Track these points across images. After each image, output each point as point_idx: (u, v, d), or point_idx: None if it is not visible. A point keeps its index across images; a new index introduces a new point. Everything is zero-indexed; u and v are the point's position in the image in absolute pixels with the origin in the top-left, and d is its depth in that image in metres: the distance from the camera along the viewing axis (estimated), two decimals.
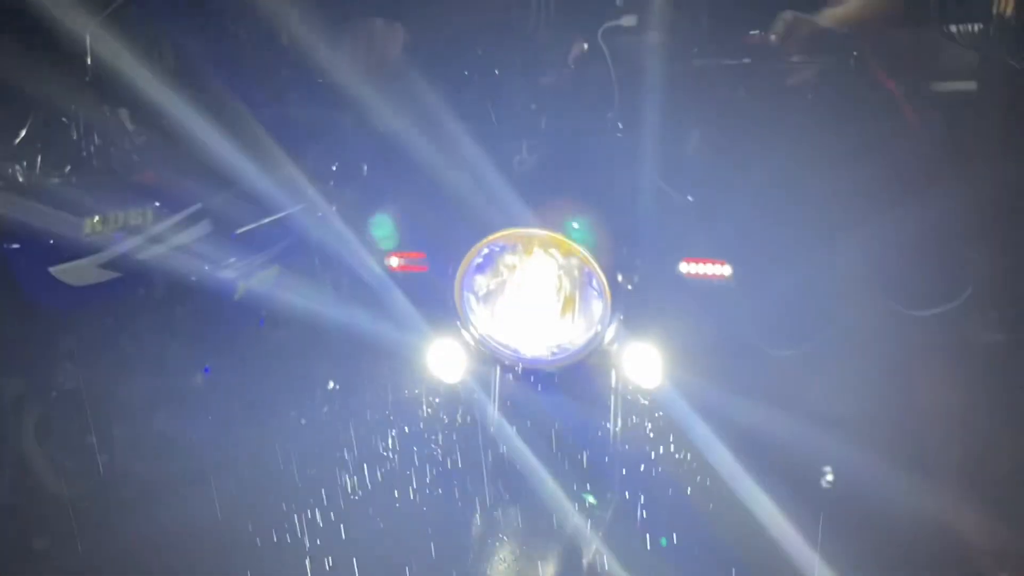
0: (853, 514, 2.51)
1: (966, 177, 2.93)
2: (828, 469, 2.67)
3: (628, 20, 2.31)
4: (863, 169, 2.66)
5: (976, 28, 3.19)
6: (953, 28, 3.23)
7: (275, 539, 2.59)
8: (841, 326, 2.90)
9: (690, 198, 2.37)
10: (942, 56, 3.23)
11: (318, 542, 2.54)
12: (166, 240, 2.84)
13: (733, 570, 2.31)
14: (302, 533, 2.63)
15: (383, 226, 2.39)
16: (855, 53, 2.49)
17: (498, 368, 2.14)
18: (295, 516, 2.69)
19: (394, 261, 2.39)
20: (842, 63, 2.50)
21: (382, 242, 2.37)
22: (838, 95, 2.55)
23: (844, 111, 2.59)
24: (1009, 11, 3.24)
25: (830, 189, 2.65)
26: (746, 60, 2.38)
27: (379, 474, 2.71)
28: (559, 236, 1.96)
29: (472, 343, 2.07)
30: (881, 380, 2.90)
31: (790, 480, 2.49)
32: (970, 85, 3.32)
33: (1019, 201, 2.96)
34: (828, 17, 2.27)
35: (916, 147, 2.84)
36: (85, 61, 2.88)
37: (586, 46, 2.45)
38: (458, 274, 2.02)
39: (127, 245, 2.74)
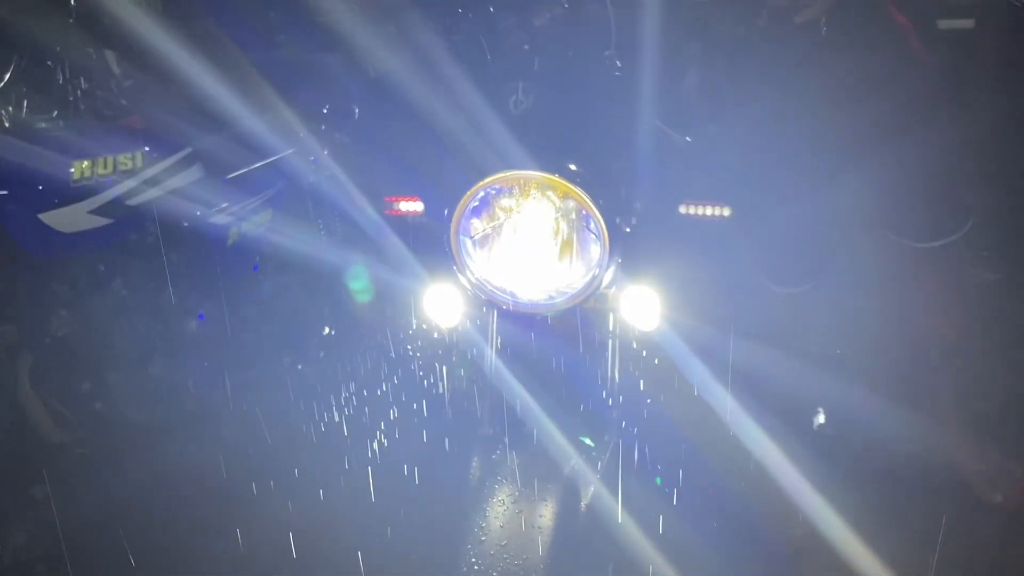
0: (852, 448, 2.54)
1: (967, 113, 2.91)
2: (827, 405, 2.68)
3: None
4: (867, 105, 2.63)
5: None
6: None
7: (272, 484, 2.59)
8: (844, 260, 2.90)
9: (688, 139, 2.34)
10: None
11: (316, 486, 2.55)
12: (157, 185, 2.80)
13: (733, 509, 2.33)
14: (301, 476, 2.64)
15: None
16: None
17: (495, 312, 2.13)
18: (293, 461, 2.69)
19: (389, 205, 2.36)
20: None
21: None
22: (846, 31, 2.51)
23: (851, 47, 2.55)
24: None
25: (833, 126, 2.63)
26: None
27: (376, 418, 2.71)
28: (556, 178, 1.93)
29: (469, 287, 2.05)
30: (884, 313, 2.91)
31: (789, 417, 2.50)
32: (970, 23, 3.29)
33: (1016, 137, 2.95)
34: None
35: (920, 83, 2.82)
36: (69, 2, 2.82)
37: None
38: (454, 218, 1.99)
39: (117, 190, 2.70)
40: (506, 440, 2.16)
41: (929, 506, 2.51)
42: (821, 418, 2.84)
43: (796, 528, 2.33)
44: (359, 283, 2.36)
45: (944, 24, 3.18)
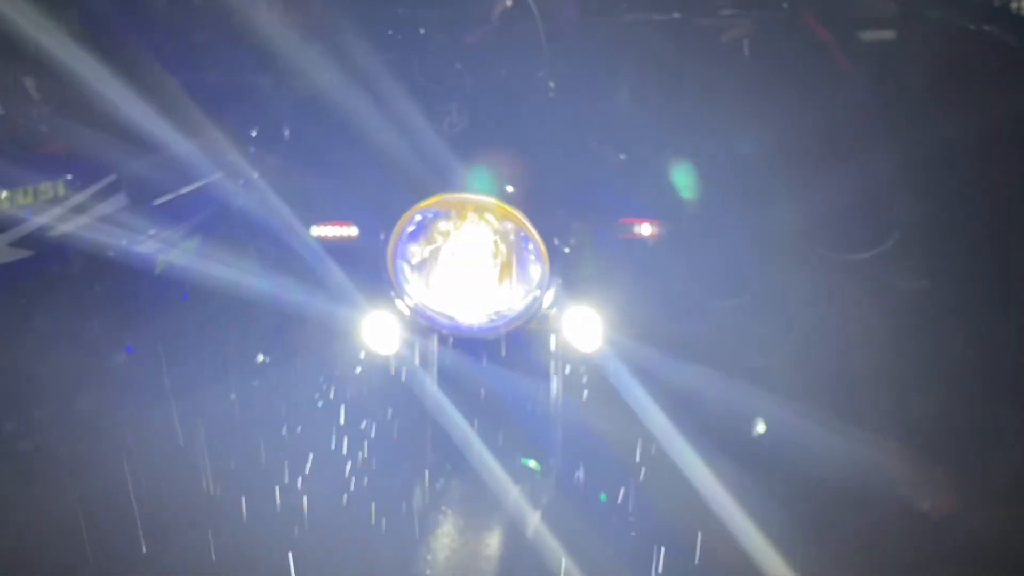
0: (788, 462, 2.55)
1: (891, 127, 2.97)
2: (765, 420, 2.70)
3: None
4: (795, 120, 2.67)
5: None
6: None
7: (202, 516, 2.52)
8: (776, 273, 2.93)
9: (623, 156, 2.34)
10: (863, 7, 3.26)
11: (248, 518, 2.48)
12: (80, 214, 2.72)
13: (676, 529, 2.33)
14: (231, 509, 2.57)
15: None
16: (784, 5, 2.48)
17: (435, 337, 2.09)
18: (224, 492, 2.63)
19: (322, 230, 2.32)
20: (773, 15, 2.48)
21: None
22: (770, 48, 2.55)
23: (776, 64, 2.59)
24: None
25: (761, 141, 2.66)
26: (676, 15, 2.35)
27: (314, 448, 2.65)
28: (493, 200, 1.91)
29: (407, 313, 2.02)
30: (816, 324, 2.95)
31: (729, 435, 2.51)
32: (891, 35, 3.36)
33: (941, 148, 3.01)
34: None
35: (845, 97, 2.87)
36: None
37: (510, 2, 2.38)
38: (390, 242, 1.96)
39: (39, 221, 2.62)
40: (449, 467, 2.12)
41: (860, 515, 2.54)
42: (761, 427, 2.86)
43: (737, 543, 2.34)
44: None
45: (867, 36, 3.25)
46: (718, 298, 2.94)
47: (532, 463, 2.15)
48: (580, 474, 2.19)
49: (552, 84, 2.26)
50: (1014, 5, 3.03)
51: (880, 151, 2.89)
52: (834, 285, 3.12)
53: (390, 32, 2.29)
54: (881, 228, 3.10)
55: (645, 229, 2.19)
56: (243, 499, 2.59)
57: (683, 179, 2.44)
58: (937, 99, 3.18)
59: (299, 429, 2.71)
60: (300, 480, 2.59)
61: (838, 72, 2.92)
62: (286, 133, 3.12)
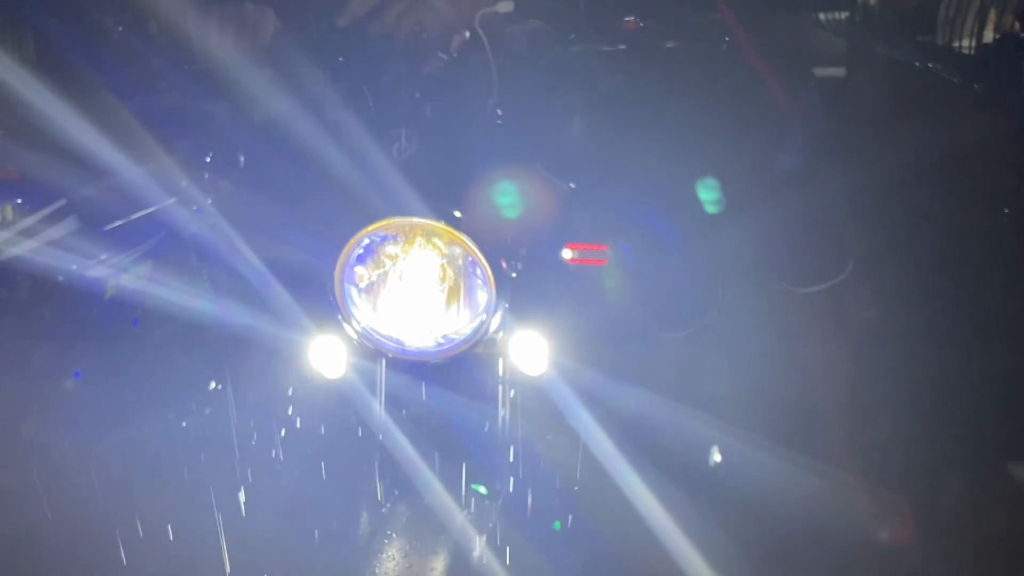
0: (740, 492, 2.57)
1: (841, 159, 3.02)
2: (716, 449, 2.72)
3: (505, 6, 2.28)
4: (740, 153, 2.71)
5: (843, 16, 3.31)
6: (822, 16, 3.34)
7: (150, 545, 2.48)
8: (726, 305, 2.96)
9: (572, 185, 2.36)
10: (813, 43, 3.33)
11: (197, 545, 2.45)
12: (29, 238, 2.69)
13: (624, 554, 2.33)
14: (179, 536, 2.54)
15: None
16: (727, 39, 2.52)
17: (383, 361, 2.10)
18: (172, 520, 2.59)
19: (272, 253, 2.32)
20: (714, 49, 2.53)
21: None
22: (712, 81, 2.59)
23: (719, 97, 2.63)
24: (873, 1, 3.36)
25: (709, 173, 2.69)
26: (622, 46, 2.39)
27: (261, 474, 2.63)
28: (441, 225, 1.93)
29: (355, 337, 2.02)
30: (766, 357, 2.97)
31: (679, 463, 2.53)
32: (841, 71, 3.44)
33: (889, 180, 3.07)
34: (700, 3, 2.30)
35: (791, 131, 2.91)
36: None
37: (468, 34, 2.41)
38: (338, 265, 1.97)
39: None
40: (396, 492, 2.11)
41: (816, 544, 2.56)
42: (717, 456, 2.88)
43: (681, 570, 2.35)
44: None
45: (817, 72, 3.32)
46: (667, 327, 2.96)
47: (481, 488, 2.15)
48: (528, 499, 2.19)
49: (500, 112, 2.29)
50: (956, 44, 3.11)
51: (830, 184, 2.95)
52: (787, 315, 3.16)
53: (340, 59, 2.31)
54: (834, 260, 3.14)
55: (592, 255, 2.22)
56: (183, 527, 2.56)
57: (632, 207, 2.47)
58: (885, 133, 3.25)
59: (245, 455, 2.68)
60: (242, 505, 2.56)
61: (792, 105, 2.97)
62: (241, 159, 3.11)
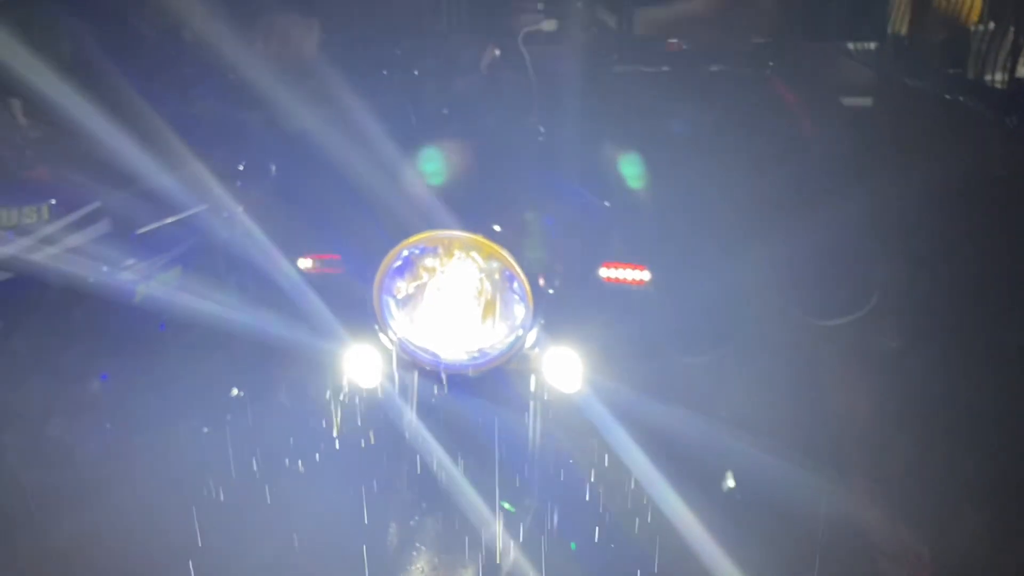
0: (762, 515, 2.56)
1: (869, 191, 3.02)
2: (737, 472, 2.71)
3: (549, 25, 2.30)
4: (770, 180, 2.71)
5: (872, 47, 3.32)
6: (851, 46, 3.35)
7: (171, 554, 2.47)
8: (749, 334, 2.95)
9: (607, 203, 2.37)
10: (842, 72, 3.33)
11: (221, 555, 2.44)
12: (62, 239, 2.71)
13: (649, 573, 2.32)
14: (203, 545, 2.53)
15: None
16: (771, 64, 2.54)
17: (416, 373, 2.10)
18: (195, 528, 2.58)
19: (307, 263, 2.33)
20: (757, 75, 2.55)
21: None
22: (749, 106, 2.61)
23: (754, 123, 2.64)
24: (903, 32, 3.37)
25: (739, 199, 2.70)
26: (665, 68, 2.40)
27: (291, 481, 2.63)
28: (480, 238, 1.94)
29: (390, 347, 2.03)
30: (787, 387, 2.96)
31: (704, 483, 2.52)
32: (868, 101, 3.44)
33: (917, 213, 3.06)
34: (743, 30, 2.31)
35: (820, 160, 2.92)
36: None
37: (498, 52, 2.43)
38: (377, 277, 1.97)
39: (20, 244, 2.61)
40: (424, 505, 2.11)
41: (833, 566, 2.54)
42: (731, 482, 2.86)
43: None
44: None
45: (847, 102, 3.33)
46: (690, 352, 2.96)
47: (507, 504, 2.15)
48: (555, 514, 2.18)
49: (542, 129, 2.31)
50: (988, 78, 3.12)
51: (855, 217, 2.94)
52: (809, 346, 3.15)
53: (385, 73, 2.33)
54: (858, 294, 3.13)
55: (628, 275, 2.22)
56: (206, 537, 2.55)
57: (666, 229, 2.48)
58: (912, 163, 3.25)
59: (270, 463, 2.68)
60: (275, 512, 2.55)
61: (819, 136, 2.98)
62: (272, 169, 3.13)
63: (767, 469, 2.67)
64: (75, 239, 2.74)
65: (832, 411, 3.12)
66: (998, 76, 3.07)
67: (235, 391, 3.17)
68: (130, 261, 2.89)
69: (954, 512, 2.95)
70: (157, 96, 3.07)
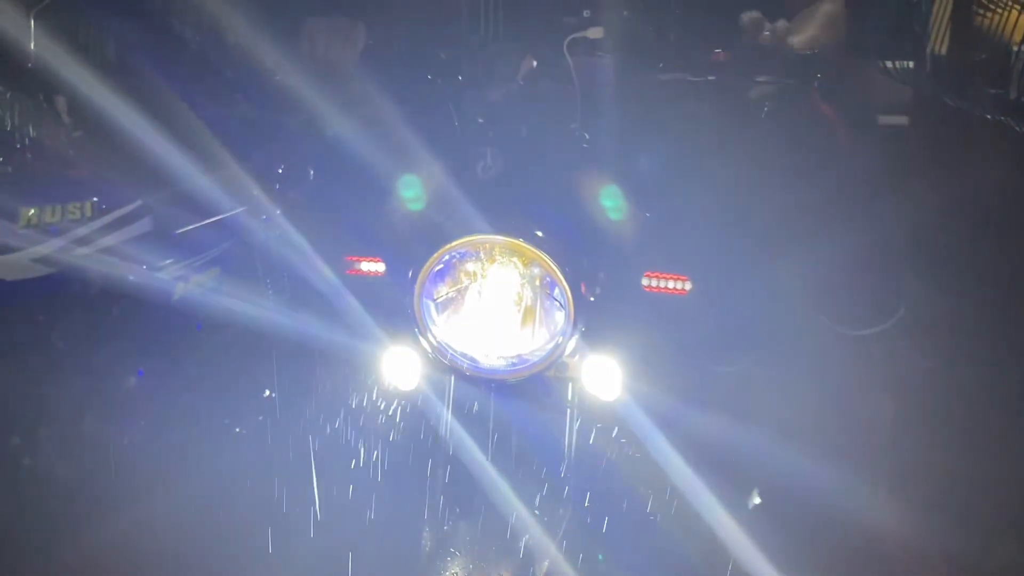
0: (798, 524, 2.54)
1: (901, 206, 3.01)
2: (775, 481, 2.69)
3: (594, 33, 2.31)
4: (806, 192, 2.71)
5: (909, 65, 3.30)
6: (889, 64, 3.34)
7: (201, 555, 2.48)
8: (780, 344, 2.94)
9: (647, 213, 2.37)
10: (879, 90, 3.32)
11: (250, 556, 2.44)
12: (103, 237, 2.74)
13: None
14: (233, 545, 2.53)
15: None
16: (819, 75, 2.53)
17: (453, 377, 2.10)
18: (226, 528, 2.59)
19: (349, 265, 2.34)
20: (802, 87, 2.54)
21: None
22: (791, 119, 2.60)
23: (794, 134, 2.64)
24: (942, 51, 3.35)
25: (775, 210, 2.69)
26: (711, 77, 2.40)
27: (326, 483, 2.63)
28: (522, 243, 1.93)
29: (430, 351, 2.03)
30: (817, 397, 2.95)
31: (742, 492, 2.50)
32: (904, 119, 3.42)
33: (950, 231, 3.05)
34: (789, 41, 2.31)
35: (855, 174, 2.91)
36: (22, 50, 2.79)
37: (535, 63, 2.44)
38: (418, 280, 1.97)
39: (64, 240, 2.64)
40: (459, 510, 2.11)
41: None
42: (756, 499, 2.85)
43: None
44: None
45: (883, 120, 3.32)
46: (722, 362, 2.95)
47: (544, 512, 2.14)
48: (591, 522, 2.17)
49: (587, 136, 2.31)
50: None
51: (887, 230, 2.93)
52: (839, 356, 3.13)
53: (430, 77, 2.34)
54: (886, 305, 3.12)
55: (669, 284, 2.21)
56: (236, 537, 2.56)
57: (706, 239, 2.47)
58: (948, 183, 3.23)
59: (310, 464, 2.69)
60: (305, 517, 2.55)
61: (854, 151, 2.97)
62: (311, 172, 3.16)
63: (806, 479, 2.66)
64: (116, 237, 2.76)
65: (864, 426, 3.10)
66: None
67: (268, 392, 3.19)
68: (169, 261, 2.91)
69: (985, 539, 2.92)
70: (198, 98, 3.11)
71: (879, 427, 3.10)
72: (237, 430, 3.04)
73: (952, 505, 2.92)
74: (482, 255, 1.99)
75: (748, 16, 2.20)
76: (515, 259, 1.98)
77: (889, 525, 2.81)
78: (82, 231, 2.68)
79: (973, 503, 2.94)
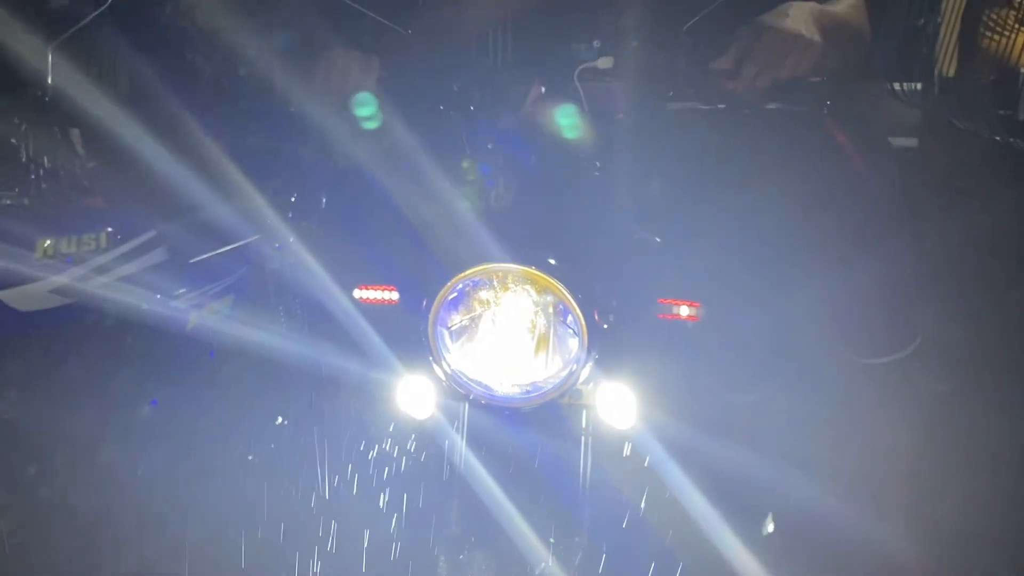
0: (821, 555, 2.53)
1: (917, 231, 3.00)
2: (791, 512, 2.68)
3: (604, 63, 2.32)
4: (819, 219, 2.71)
5: (918, 87, 3.31)
6: (897, 87, 3.34)
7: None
8: (795, 372, 2.93)
9: (658, 239, 2.37)
10: (887, 112, 3.33)
11: None
12: (119, 267, 2.76)
13: None
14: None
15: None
16: (828, 103, 2.54)
17: (466, 405, 2.11)
18: (237, 559, 2.59)
19: (363, 293, 2.34)
20: (814, 113, 2.54)
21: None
22: (804, 146, 2.60)
23: (808, 161, 2.64)
24: (951, 73, 3.36)
25: (788, 237, 2.69)
26: (721, 105, 2.41)
27: (338, 511, 2.63)
28: (535, 271, 1.94)
29: (443, 379, 2.03)
30: (833, 427, 2.93)
31: (757, 522, 2.49)
32: (914, 142, 3.43)
33: (963, 256, 3.04)
34: (799, 69, 2.31)
35: (868, 199, 2.91)
36: (40, 84, 2.82)
37: (543, 89, 2.45)
38: (432, 309, 1.98)
39: (80, 270, 2.66)
40: (473, 539, 2.10)
41: None
42: (771, 526, 2.83)
43: None
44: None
45: (894, 142, 3.32)
46: (738, 391, 2.94)
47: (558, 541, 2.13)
48: (606, 552, 2.16)
49: (598, 164, 2.32)
50: None
51: (902, 257, 2.93)
52: (855, 385, 3.12)
53: (442, 108, 2.36)
54: (903, 333, 3.10)
55: (683, 311, 2.21)
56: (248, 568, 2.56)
57: (719, 266, 2.47)
58: (961, 207, 3.23)
59: (323, 492, 2.69)
60: (316, 546, 2.55)
61: (867, 175, 2.97)
62: (323, 201, 3.18)
63: (825, 508, 2.65)
64: (131, 267, 2.79)
65: (878, 455, 3.08)
66: None
67: (280, 419, 3.20)
68: (183, 289, 2.93)
69: (1008, 563, 2.90)
70: (212, 128, 3.13)
71: (898, 456, 3.08)
72: (250, 458, 3.05)
73: (974, 535, 2.90)
74: (495, 283, 1.99)
75: (761, 43, 2.21)
76: (528, 287, 1.98)
77: (908, 556, 2.80)
78: (97, 261, 2.70)
79: (995, 533, 2.92)
